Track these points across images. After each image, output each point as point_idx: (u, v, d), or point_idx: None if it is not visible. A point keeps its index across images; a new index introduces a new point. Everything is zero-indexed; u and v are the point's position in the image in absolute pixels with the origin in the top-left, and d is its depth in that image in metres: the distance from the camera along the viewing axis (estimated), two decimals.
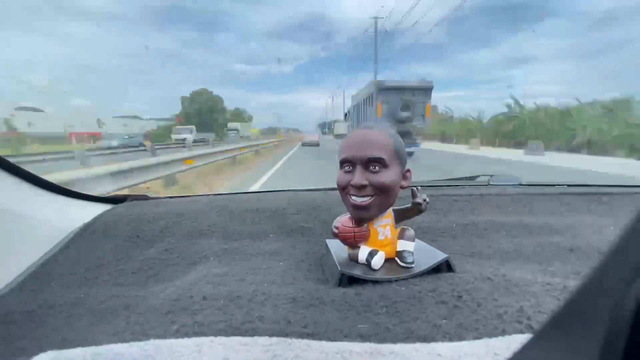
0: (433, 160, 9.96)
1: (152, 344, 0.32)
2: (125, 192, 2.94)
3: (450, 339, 0.33)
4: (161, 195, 0.95)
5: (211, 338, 0.33)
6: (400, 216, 0.53)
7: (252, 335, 0.34)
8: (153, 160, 4.13)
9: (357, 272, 0.46)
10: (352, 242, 0.48)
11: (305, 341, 0.33)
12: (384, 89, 9.53)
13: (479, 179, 1.10)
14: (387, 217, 0.50)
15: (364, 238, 0.48)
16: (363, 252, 0.48)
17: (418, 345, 0.32)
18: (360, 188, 0.46)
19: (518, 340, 0.31)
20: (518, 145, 17.58)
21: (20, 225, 0.58)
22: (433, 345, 0.32)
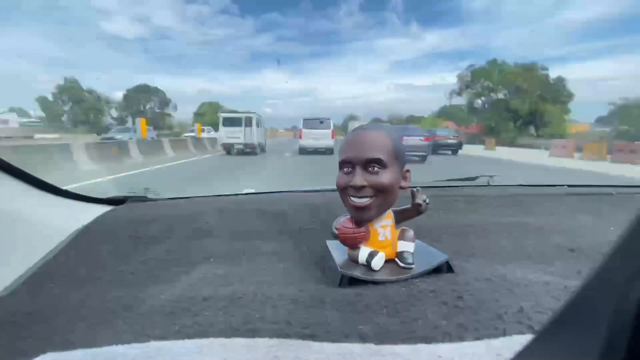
0: None
1: (153, 345, 0.32)
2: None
3: (451, 340, 0.33)
4: (161, 197, 0.95)
5: (212, 339, 0.33)
6: (400, 217, 0.53)
7: (253, 336, 0.34)
8: None
9: (358, 273, 0.46)
10: (352, 243, 0.48)
11: (306, 342, 0.33)
12: None
13: (479, 180, 1.11)
14: (387, 218, 0.50)
15: (364, 239, 0.48)
16: (363, 253, 0.48)
17: (419, 346, 0.32)
18: (359, 189, 0.46)
19: (519, 341, 0.31)
20: None
21: (21, 227, 0.58)
22: (434, 345, 0.32)
